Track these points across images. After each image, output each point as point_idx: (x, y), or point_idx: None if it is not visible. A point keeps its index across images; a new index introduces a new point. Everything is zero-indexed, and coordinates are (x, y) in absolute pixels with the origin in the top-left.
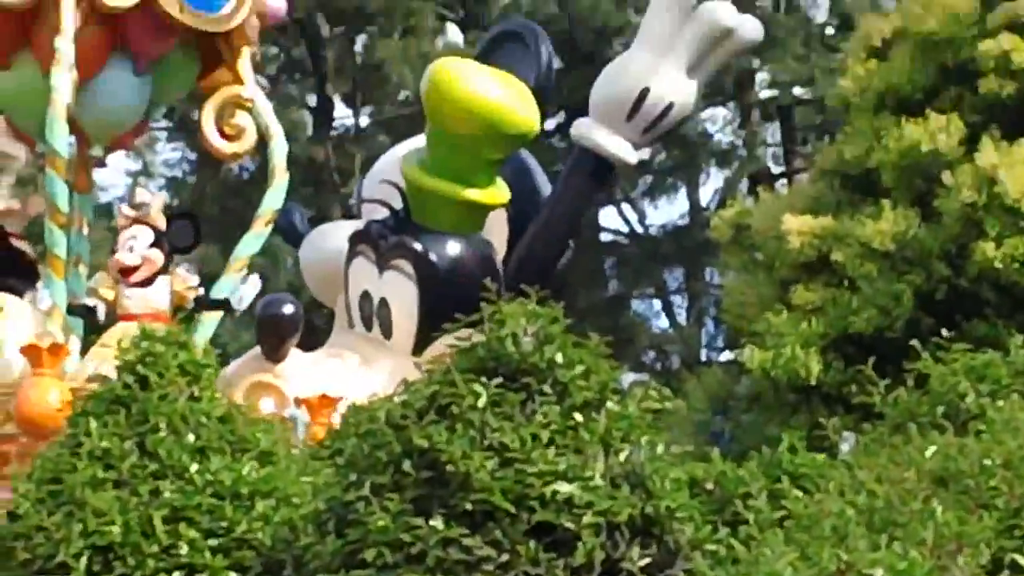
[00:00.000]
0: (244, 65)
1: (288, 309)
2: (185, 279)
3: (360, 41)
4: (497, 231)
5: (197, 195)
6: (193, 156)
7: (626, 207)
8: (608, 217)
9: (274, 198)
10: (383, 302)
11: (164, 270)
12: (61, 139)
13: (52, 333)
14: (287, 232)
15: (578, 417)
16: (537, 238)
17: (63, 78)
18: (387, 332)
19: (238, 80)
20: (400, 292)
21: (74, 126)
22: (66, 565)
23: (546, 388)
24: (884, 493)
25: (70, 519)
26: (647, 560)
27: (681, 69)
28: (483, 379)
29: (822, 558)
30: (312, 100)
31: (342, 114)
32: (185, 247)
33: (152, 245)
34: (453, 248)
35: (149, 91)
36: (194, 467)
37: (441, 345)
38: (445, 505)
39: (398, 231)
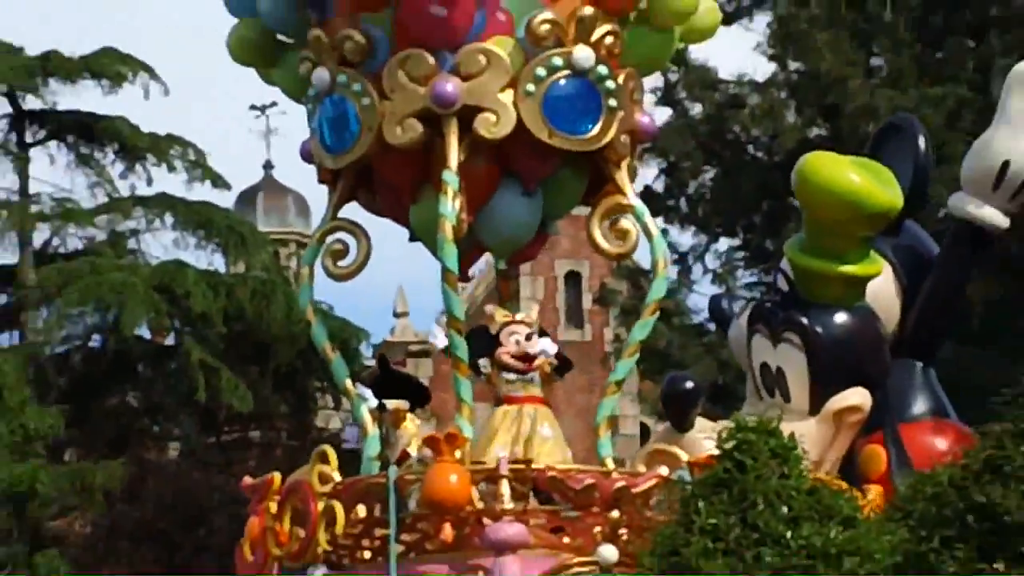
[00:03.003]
0: (622, 176)
1: (688, 385)
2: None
3: None
4: (889, 302)
5: None
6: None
7: None
8: None
9: (658, 289)
10: (779, 371)
11: None
12: (450, 258)
13: (458, 425)
14: (718, 317)
15: None
16: (924, 307)
17: (449, 205)
18: (786, 397)
19: (620, 191)
20: (792, 362)
21: (481, 246)
22: None
23: None
24: None
25: None
26: None
27: None
28: None
29: None
30: None
31: None
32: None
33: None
34: (836, 318)
35: (540, 208)
36: (788, 534)
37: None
38: (1004, 551)
39: (786, 307)
